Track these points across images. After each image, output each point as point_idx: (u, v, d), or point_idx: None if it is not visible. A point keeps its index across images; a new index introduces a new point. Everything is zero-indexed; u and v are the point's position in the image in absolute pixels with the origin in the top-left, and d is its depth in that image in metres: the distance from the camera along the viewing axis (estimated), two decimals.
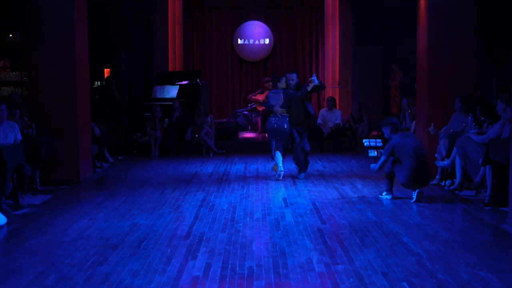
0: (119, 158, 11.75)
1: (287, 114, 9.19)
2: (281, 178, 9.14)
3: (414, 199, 7.44)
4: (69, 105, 9.04)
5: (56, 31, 8.98)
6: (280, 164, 9.19)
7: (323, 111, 13.37)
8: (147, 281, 4.60)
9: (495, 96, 11.02)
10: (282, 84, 9.37)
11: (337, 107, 13.82)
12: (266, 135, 10.45)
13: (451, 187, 8.11)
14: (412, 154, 7.36)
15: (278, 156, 9.20)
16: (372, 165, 7.86)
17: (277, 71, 17.07)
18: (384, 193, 7.76)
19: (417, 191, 7.46)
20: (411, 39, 10.48)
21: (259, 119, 14.28)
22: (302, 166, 9.39)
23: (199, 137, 12.42)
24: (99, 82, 14.45)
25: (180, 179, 9.35)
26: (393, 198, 7.64)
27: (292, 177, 9.40)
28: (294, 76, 9.35)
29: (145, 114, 12.97)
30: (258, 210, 7.06)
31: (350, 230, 6.10)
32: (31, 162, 7.86)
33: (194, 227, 6.27)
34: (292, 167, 10.58)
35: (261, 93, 14.69)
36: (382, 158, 7.63)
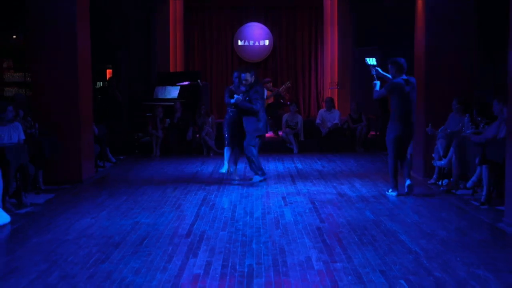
0: (121, 158, 11.82)
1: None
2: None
3: (406, 190, 7.78)
4: (72, 106, 9.09)
5: (58, 32, 9.01)
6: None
7: (321, 111, 13.44)
8: (148, 278, 4.66)
9: (492, 97, 11.07)
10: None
11: (336, 108, 13.88)
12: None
13: (448, 187, 8.18)
14: (401, 104, 7.74)
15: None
16: (374, 82, 8.24)
17: (277, 72, 17.14)
18: (389, 190, 7.98)
19: (408, 182, 7.77)
20: (410, 40, 10.54)
21: None
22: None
23: (200, 137, 12.50)
24: (101, 83, 14.53)
25: (181, 179, 9.42)
26: (398, 194, 7.83)
27: (291, 177, 9.48)
28: (248, 75, 8.79)
29: (147, 114, 13.06)
30: (258, 209, 7.13)
31: (349, 228, 6.17)
32: (35, 162, 7.94)
33: (195, 225, 6.34)
34: (292, 166, 10.66)
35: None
36: (381, 91, 8.07)
